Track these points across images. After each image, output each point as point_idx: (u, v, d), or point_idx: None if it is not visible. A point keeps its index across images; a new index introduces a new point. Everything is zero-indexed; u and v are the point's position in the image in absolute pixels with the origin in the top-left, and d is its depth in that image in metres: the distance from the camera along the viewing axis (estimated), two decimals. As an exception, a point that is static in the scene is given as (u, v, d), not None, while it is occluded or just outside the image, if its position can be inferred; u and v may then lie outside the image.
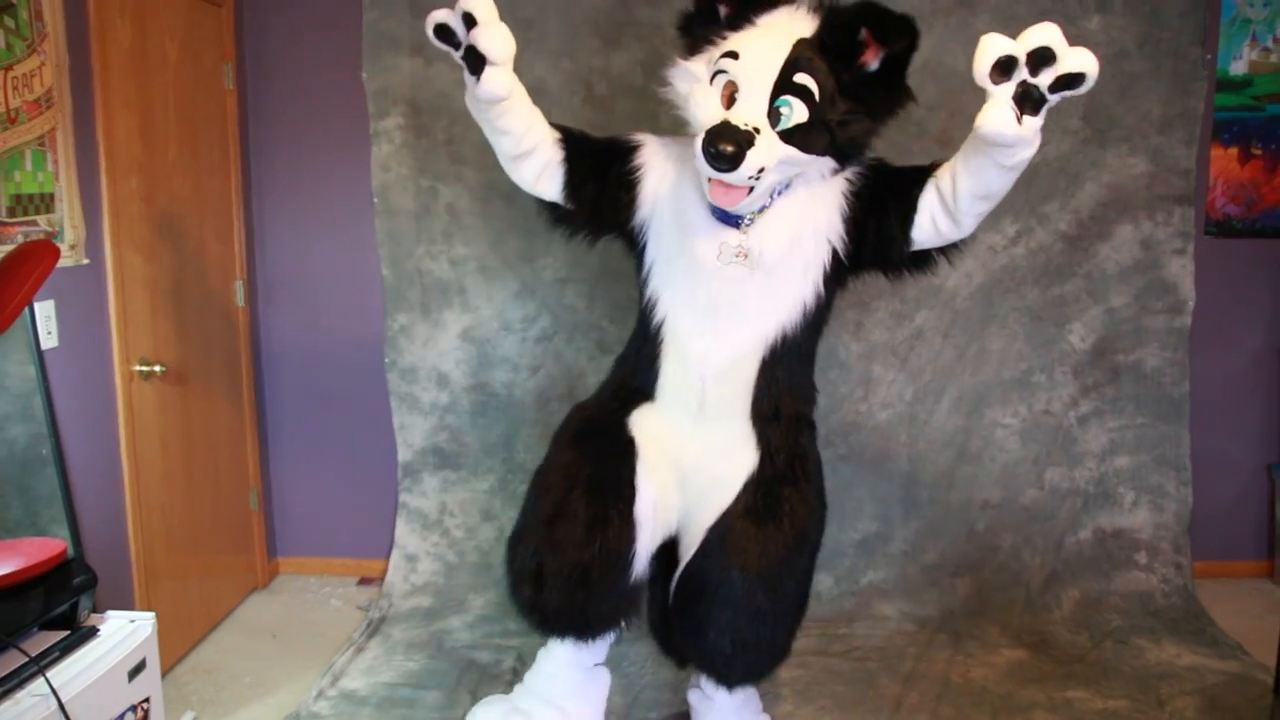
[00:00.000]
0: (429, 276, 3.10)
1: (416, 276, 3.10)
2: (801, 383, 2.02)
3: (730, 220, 1.87)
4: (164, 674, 2.24)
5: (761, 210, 1.86)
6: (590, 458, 1.96)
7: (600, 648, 2.10)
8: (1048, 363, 3.05)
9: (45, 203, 2.17)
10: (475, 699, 2.48)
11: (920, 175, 1.84)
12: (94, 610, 1.82)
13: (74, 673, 1.62)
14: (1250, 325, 3.17)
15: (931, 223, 1.82)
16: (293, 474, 3.35)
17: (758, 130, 1.70)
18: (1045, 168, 2.96)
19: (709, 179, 1.75)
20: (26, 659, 1.57)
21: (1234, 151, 3.08)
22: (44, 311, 2.16)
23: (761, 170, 1.72)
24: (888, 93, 1.81)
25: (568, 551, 1.89)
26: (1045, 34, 1.46)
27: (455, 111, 2.99)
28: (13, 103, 2.05)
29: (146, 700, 1.79)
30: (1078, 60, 1.47)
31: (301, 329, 3.27)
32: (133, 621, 1.82)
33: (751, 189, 1.75)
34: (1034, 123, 1.53)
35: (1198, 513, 3.09)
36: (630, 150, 2.00)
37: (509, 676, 2.60)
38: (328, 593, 3.24)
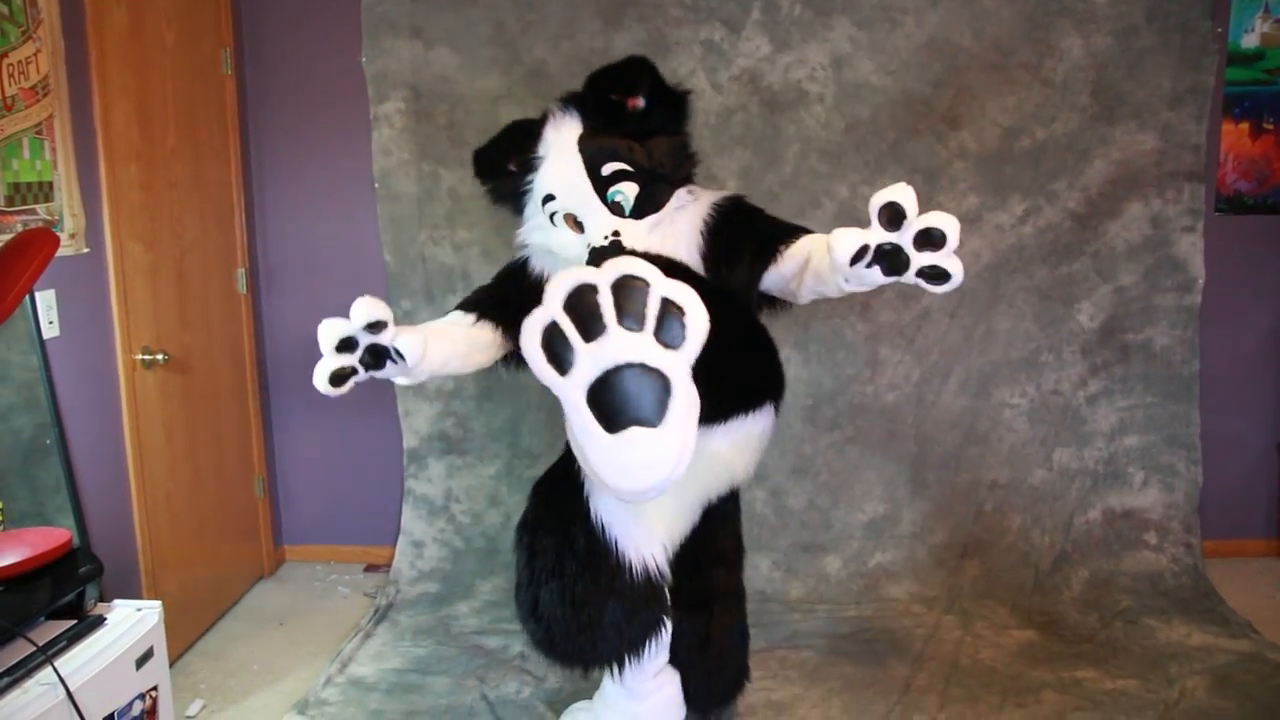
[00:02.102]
0: (432, 261, 3.08)
1: (419, 262, 3.09)
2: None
3: None
4: (172, 662, 2.26)
5: None
6: (569, 539, 1.85)
7: (651, 661, 1.98)
8: (1056, 342, 3.02)
9: (44, 191, 2.16)
10: (483, 684, 2.49)
11: (781, 233, 1.91)
12: (101, 599, 1.82)
13: (81, 662, 1.63)
14: (1261, 303, 3.13)
15: (780, 281, 1.91)
16: (298, 461, 3.34)
17: (616, 233, 1.87)
18: (1053, 145, 2.93)
19: None
20: (34, 648, 1.57)
21: (1245, 126, 3.04)
22: (45, 301, 2.15)
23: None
24: (670, 108, 1.98)
25: (572, 611, 1.82)
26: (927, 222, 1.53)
27: (456, 95, 2.96)
28: (9, 90, 2.03)
29: (154, 688, 1.79)
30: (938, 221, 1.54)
31: (304, 315, 3.23)
32: (139, 610, 1.82)
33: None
34: (878, 278, 1.61)
35: (1207, 492, 3.07)
36: (522, 264, 2.12)
37: (517, 662, 2.61)
38: (334, 580, 3.25)
